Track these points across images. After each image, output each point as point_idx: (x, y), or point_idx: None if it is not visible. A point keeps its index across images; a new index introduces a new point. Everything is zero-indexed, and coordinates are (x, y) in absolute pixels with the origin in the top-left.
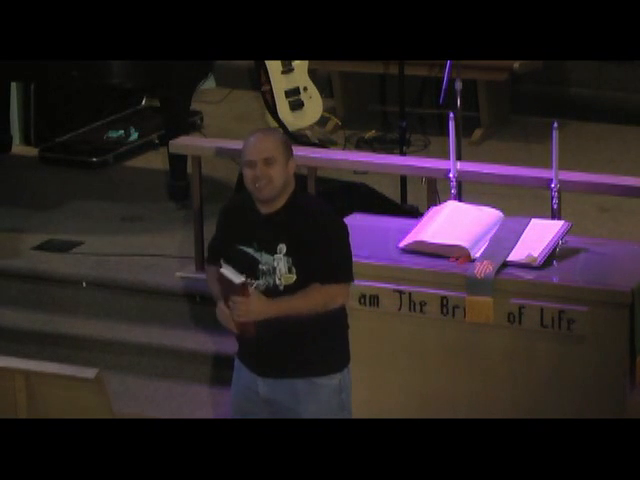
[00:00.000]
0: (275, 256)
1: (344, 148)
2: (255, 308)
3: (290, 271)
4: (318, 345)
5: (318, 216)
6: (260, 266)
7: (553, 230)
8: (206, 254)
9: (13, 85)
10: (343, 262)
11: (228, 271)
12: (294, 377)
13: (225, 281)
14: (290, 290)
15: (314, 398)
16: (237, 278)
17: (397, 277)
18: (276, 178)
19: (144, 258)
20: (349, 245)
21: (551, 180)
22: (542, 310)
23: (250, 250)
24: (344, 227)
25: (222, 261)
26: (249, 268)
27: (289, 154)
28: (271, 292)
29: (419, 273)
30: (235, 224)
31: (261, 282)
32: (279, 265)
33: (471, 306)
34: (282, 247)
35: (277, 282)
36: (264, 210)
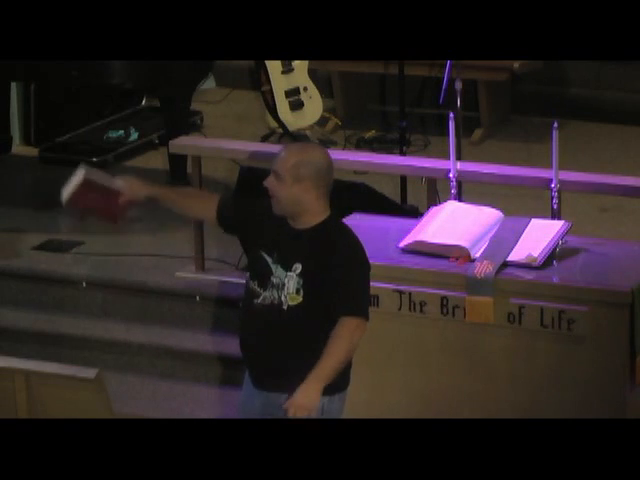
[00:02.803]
0: (288, 273)
1: (344, 148)
2: (310, 399)
3: (297, 292)
4: (306, 369)
5: (343, 248)
6: (272, 278)
7: (553, 230)
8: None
9: (13, 85)
10: (364, 298)
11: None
12: (282, 392)
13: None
14: (292, 311)
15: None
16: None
17: (397, 277)
18: (279, 195)
19: (144, 258)
20: (369, 284)
21: (551, 180)
22: (542, 310)
23: (269, 259)
24: (368, 266)
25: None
26: (262, 276)
27: (301, 178)
28: (274, 308)
29: (419, 273)
30: (265, 227)
31: (268, 295)
32: (289, 283)
33: (471, 306)
34: (297, 266)
35: (282, 299)
36: (292, 224)
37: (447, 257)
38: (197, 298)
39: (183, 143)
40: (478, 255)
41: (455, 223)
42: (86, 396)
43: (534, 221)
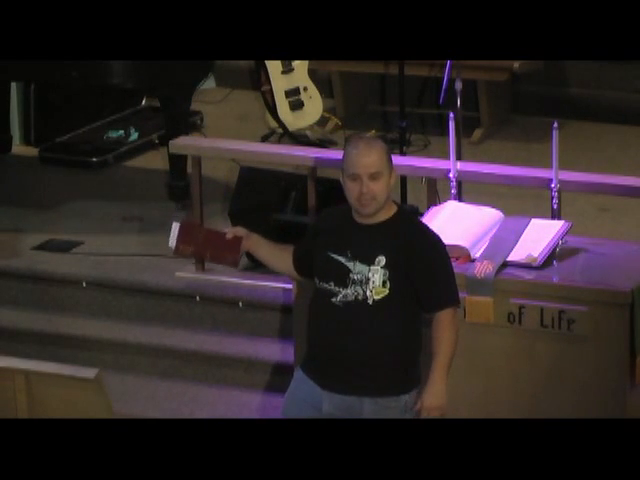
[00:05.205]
0: (372, 267)
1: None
2: (438, 399)
3: (384, 285)
4: (390, 366)
5: (421, 236)
6: (351, 275)
7: (553, 230)
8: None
9: (13, 85)
10: (452, 285)
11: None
12: (360, 395)
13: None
14: (379, 305)
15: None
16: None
17: None
18: (380, 193)
19: (144, 258)
20: (452, 266)
21: (551, 180)
22: (542, 310)
23: (342, 258)
24: (446, 249)
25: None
26: (339, 275)
27: (391, 165)
28: (359, 304)
29: None
30: (328, 230)
31: (349, 292)
32: (374, 277)
33: (471, 306)
34: (381, 259)
35: (368, 294)
36: (362, 220)
37: None
38: (197, 298)
39: (183, 143)
40: (478, 255)
41: (455, 223)
42: (86, 396)
43: (534, 221)
